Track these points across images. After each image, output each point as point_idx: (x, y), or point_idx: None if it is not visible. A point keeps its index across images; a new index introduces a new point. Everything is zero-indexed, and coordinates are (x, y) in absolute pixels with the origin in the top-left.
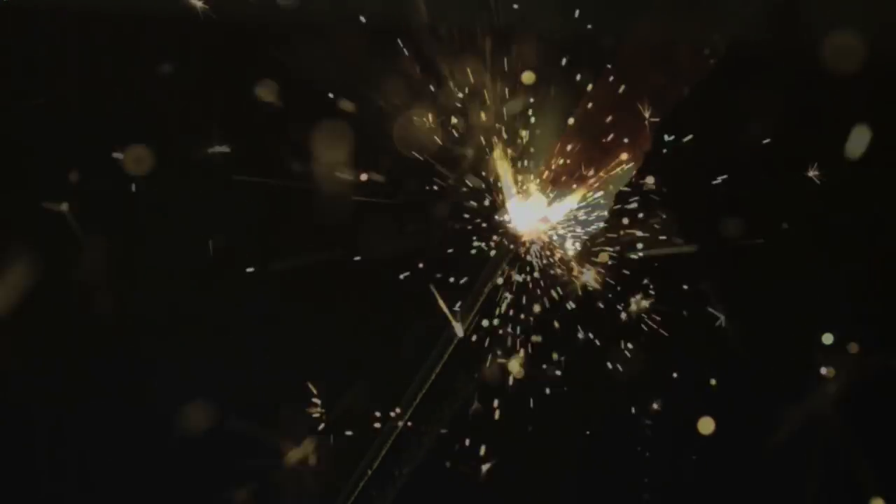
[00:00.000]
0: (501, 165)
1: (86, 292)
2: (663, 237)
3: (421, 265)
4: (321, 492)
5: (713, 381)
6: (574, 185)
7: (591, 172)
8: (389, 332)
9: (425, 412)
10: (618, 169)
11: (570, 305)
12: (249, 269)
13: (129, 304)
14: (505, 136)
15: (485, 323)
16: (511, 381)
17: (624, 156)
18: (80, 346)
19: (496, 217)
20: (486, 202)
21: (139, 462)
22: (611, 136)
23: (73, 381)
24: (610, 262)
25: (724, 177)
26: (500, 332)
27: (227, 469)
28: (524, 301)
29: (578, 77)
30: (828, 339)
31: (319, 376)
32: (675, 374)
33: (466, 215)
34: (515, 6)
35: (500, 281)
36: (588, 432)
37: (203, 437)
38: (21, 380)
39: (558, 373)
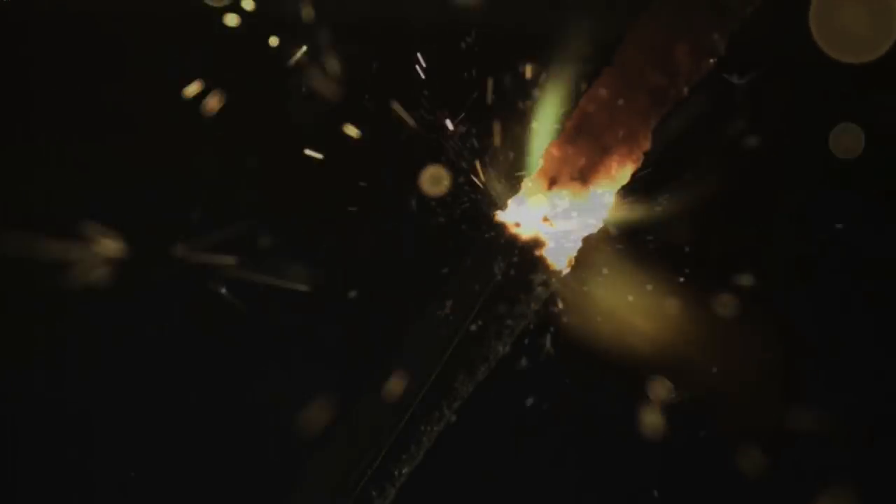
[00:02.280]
0: (503, 166)
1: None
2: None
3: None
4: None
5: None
6: (574, 185)
7: (591, 172)
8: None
9: (426, 410)
10: (617, 168)
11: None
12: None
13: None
14: (506, 136)
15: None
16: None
17: (623, 155)
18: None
19: (497, 215)
20: (488, 201)
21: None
22: (610, 136)
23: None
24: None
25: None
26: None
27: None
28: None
29: (579, 77)
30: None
31: (323, 376)
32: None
33: (466, 213)
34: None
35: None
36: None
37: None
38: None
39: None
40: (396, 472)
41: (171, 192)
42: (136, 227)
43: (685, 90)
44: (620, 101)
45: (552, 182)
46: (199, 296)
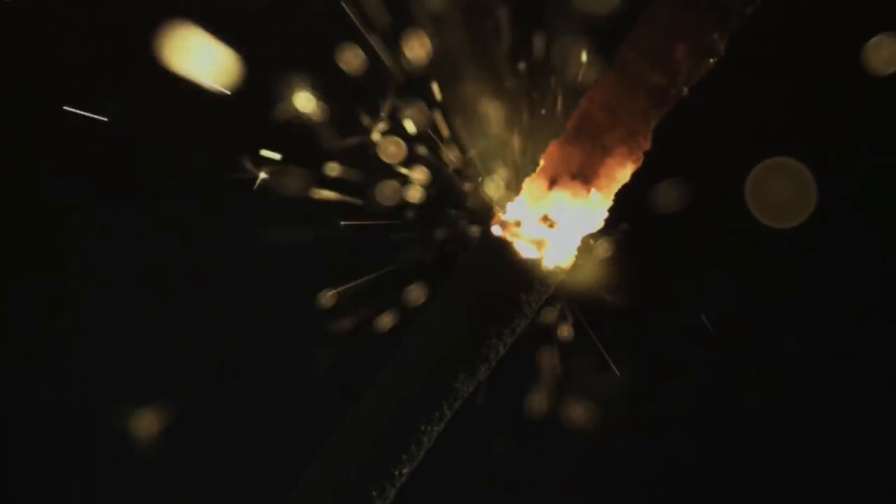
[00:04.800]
0: (503, 166)
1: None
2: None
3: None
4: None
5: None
6: (574, 185)
7: (592, 172)
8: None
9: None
10: (617, 168)
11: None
12: None
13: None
14: (506, 136)
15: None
16: None
17: (623, 155)
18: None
19: (497, 215)
20: (488, 201)
21: None
22: (610, 136)
23: None
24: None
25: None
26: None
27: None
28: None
29: (579, 77)
30: None
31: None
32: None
33: (466, 214)
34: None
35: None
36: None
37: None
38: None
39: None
40: (396, 472)
41: (170, 197)
42: (137, 228)
43: (685, 90)
44: (620, 101)
45: (552, 182)
46: (200, 297)
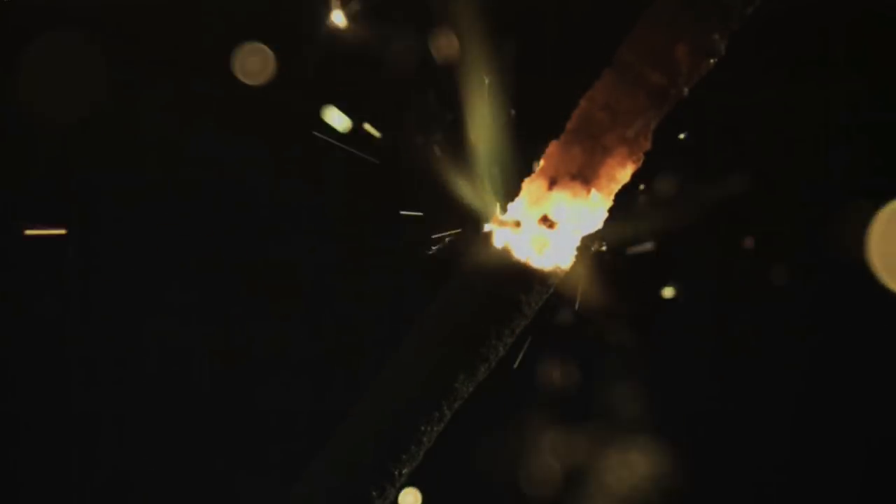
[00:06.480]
0: (503, 167)
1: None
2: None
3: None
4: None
5: None
6: (574, 185)
7: (592, 172)
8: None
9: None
10: (617, 168)
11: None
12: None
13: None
14: (506, 137)
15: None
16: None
17: (623, 155)
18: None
19: (497, 216)
20: (488, 202)
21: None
22: (610, 136)
23: None
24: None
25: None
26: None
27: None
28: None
29: (579, 78)
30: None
31: (322, 374)
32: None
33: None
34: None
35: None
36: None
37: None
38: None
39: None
40: (396, 472)
41: (171, 196)
42: (141, 232)
43: (685, 90)
44: (620, 101)
45: (552, 182)
46: (202, 300)
